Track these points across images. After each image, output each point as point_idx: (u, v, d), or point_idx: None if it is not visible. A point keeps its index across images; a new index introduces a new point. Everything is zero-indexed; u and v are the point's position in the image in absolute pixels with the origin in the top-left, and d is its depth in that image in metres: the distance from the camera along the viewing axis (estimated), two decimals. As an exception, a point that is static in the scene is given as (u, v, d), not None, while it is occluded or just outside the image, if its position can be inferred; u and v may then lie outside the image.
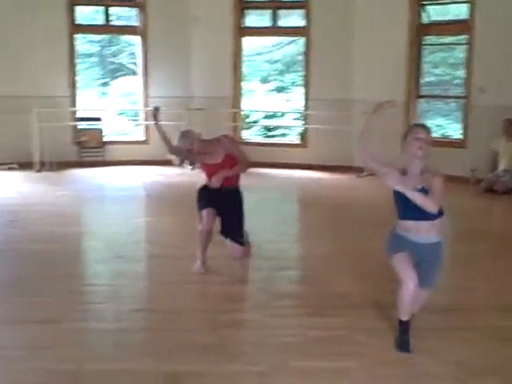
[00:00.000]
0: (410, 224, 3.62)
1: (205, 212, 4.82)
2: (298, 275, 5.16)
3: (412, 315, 3.69)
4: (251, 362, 3.50)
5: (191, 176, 9.84)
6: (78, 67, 14.00)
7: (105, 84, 14.97)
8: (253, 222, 5.45)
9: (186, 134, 4.84)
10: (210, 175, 4.83)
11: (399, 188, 3.40)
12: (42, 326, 3.91)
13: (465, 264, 5.48)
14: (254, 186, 9.33)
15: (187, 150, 4.82)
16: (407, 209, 3.55)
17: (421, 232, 3.61)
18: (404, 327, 3.66)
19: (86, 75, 15.23)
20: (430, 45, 10.87)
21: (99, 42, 14.66)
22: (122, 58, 14.63)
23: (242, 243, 4.88)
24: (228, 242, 4.90)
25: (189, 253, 5.26)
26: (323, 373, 3.40)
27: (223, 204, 4.86)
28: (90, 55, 15.02)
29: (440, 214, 3.57)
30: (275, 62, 14.64)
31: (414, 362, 3.54)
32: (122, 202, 8.10)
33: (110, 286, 4.73)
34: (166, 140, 4.93)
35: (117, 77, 14.68)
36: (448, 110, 12.12)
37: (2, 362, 3.47)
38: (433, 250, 3.66)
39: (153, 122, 4.99)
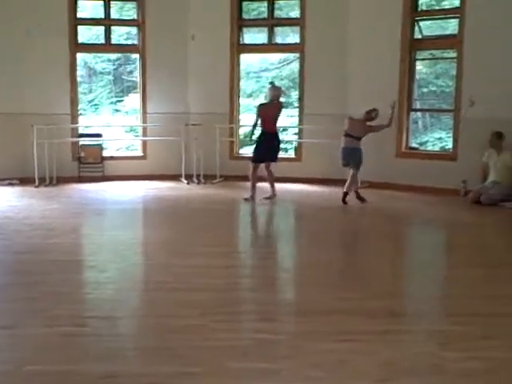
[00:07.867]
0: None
1: None
2: (256, 283, 5.28)
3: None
4: (188, 363, 3.61)
5: (187, 190, 10.07)
6: (94, 85, 14.39)
7: (119, 101, 15.35)
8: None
9: None
10: None
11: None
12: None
13: (428, 274, 5.55)
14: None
15: None
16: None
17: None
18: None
19: (101, 93, 15.65)
20: (421, 59, 10.97)
21: (116, 60, 15.05)
22: (136, 77, 14.98)
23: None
24: None
25: (153, 263, 5.75)
26: (255, 373, 3.51)
27: None
28: (108, 73, 15.45)
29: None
30: (282, 78, 14.82)
31: (345, 363, 3.62)
32: (107, 215, 8.38)
33: (69, 294, 4.88)
34: None
35: (129, 94, 15.03)
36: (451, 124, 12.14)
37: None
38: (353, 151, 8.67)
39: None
